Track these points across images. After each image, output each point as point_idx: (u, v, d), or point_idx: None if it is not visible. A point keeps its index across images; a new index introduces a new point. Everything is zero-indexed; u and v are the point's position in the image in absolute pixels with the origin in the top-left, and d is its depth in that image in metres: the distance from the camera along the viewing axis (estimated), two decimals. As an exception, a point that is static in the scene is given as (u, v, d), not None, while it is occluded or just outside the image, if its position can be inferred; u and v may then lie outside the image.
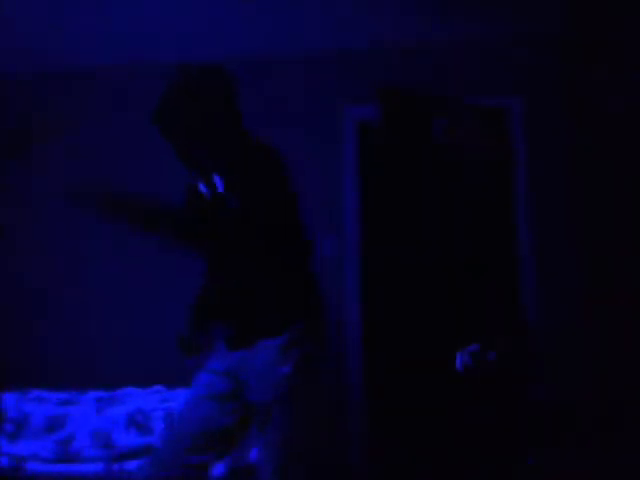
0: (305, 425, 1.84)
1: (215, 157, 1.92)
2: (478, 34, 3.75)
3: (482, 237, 3.49)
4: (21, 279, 3.92)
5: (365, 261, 3.76)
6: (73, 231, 3.84)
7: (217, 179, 1.88)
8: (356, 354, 3.66)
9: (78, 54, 3.96)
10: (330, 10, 3.48)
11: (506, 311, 3.48)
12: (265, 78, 4.01)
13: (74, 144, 3.96)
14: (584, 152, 3.49)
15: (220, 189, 1.86)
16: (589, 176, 3.43)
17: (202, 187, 1.92)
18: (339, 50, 3.92)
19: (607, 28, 3.16)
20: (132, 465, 2.64)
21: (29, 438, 3.11)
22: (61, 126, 3.93)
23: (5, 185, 3.99)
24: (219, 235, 1.86)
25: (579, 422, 3.18)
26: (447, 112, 3.47)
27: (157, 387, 3.26)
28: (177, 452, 1.80)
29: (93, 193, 1.81)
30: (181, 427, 1.86)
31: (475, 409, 3.23)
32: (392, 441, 3.55)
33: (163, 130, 1.91)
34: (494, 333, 3.23)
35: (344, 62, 3.92)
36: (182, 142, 1.91)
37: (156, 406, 2.77)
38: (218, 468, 2.51)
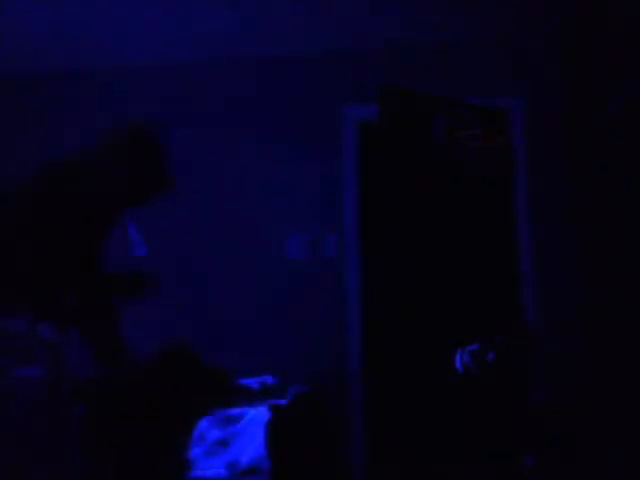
0: None
1: None
2: (478, 34, 3.76)
3: (482, 237, 3.49)
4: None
5: (365, 261, 3.77)
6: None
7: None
8: (356, 354, 3.66)
9: (83, 54, 3.96)
10: (330, 10, 3.48)
11: (506, 311, 3.48)
12: (265, 78, 4.01)
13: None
14: (584, 152, 3.49)
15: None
16: (589, 176, 3.43)
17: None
18: (339, 50, 3.92)
19: (607, 28, 3.16)
20: (132, 465, 2.64)
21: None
22: None
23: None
24: None
25: (578, 422, 3.18)
26: (447, 112, 3.47)
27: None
28: None
29: None
30: None
31: (475, 409, 3.23)
32: (392, 440, 3.56)
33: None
34: (494, 333, 3.23)
35: (344, 62, 3.93)
36: None
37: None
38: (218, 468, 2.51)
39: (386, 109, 3.31)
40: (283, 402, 2.83)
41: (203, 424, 2.57)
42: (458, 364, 3.11)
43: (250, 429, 2.54)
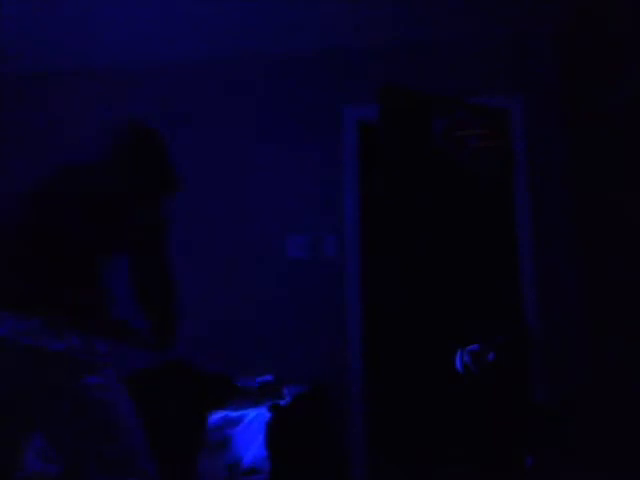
0: None
1: None
2: (478, 34, 3.76)
3: (482, 237, 3.49)
4: None
5: (365, 261, 3.77)
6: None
7: None
8: (357, 354, 3.66)
9: (82, 54, 3.96)
10: (330, 10, 3.48)
11: (506, 311, 3.48)
12: (265, 78, 4.01)
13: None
14: (584, 152, 3.49)
15: None
16: (589, 176, 3.43)
17: None
18: (339, 50, 3.92)
19: (607, 28, 3.16)
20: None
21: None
22: None
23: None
24: None
25: (579, 422, 3.18)
26: (447, 112, 3.47)
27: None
28: None
29: None
30: None
31: (475, 409, 3.23)
32: (392, 440, 3.56)
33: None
34: (494, 333, 3.23)
35: (344, 62, 3.93)
36: None
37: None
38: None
39: (386, 109, 3.32)
40: (283, 402, 2.84)
41: (204, 426, 2.57)
42: (458, 364, 3.12)
43: (251, 430, 2.54)
